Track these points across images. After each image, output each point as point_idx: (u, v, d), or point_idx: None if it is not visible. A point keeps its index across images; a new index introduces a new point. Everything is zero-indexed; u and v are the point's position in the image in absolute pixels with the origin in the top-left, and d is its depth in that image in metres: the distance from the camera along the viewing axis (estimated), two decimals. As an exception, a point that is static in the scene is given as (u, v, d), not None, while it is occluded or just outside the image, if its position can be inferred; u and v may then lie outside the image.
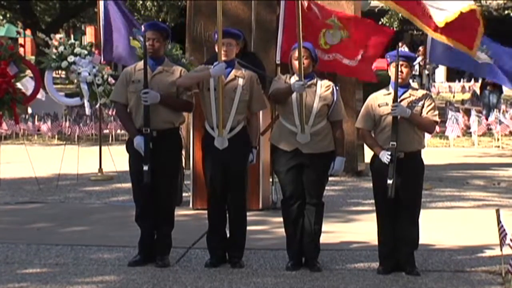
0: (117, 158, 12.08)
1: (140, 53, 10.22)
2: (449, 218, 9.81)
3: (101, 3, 12.55)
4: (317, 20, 9.25)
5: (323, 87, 7.53)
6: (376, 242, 7.54)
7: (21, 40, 38.96)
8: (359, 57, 9.22)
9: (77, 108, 18.18)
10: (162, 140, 7.46)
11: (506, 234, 7.08)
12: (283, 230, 7.68)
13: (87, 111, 12.73)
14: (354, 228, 9.14)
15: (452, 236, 8.57)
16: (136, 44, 10.74)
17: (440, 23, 7.93)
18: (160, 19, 26.45)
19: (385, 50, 8.73)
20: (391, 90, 7.38)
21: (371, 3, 19.97)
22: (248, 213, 7.82)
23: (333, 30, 8.97)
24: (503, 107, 20.30)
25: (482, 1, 20.27)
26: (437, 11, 7.79)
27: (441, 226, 9.19)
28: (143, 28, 7.79)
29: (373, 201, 7.62)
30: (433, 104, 7.49)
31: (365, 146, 9.58)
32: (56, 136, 18.47)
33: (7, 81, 11.15)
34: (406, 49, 25.69)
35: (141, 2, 28.18)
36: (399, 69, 7.30)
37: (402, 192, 7.27)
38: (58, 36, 12.64)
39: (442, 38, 8.48)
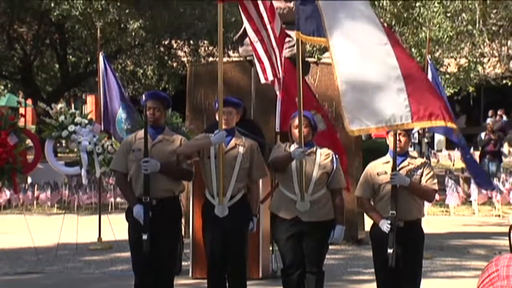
0: (116, 227, 12.05)
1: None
2: (450, 287, 9.73)
3: (101, 73, 12.67)
4: (310, 97, 9.30)
5: (323, 156, 7.56)
6: (377, 312, 7.48)
7: (21, 110, 39.17)
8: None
9: (77, 177, 18.16)
10: (162, 209, 7.45)
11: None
12: (283, 299, 7.62)
13: (84, 180, 12.76)
14: (355, 298, 9.08)
15: (453, 306, 8.51)
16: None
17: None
18: (160, 88, 26.65)
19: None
20: (390, 158, 7.40)
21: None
22: (248, 282, 7.77)
23: (318, 117, 8.99)
24: (502, 176, 20.30)
25: (480, 71, 20.45)
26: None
27: (442, 295, 9.13)
28: (143, 98, 7.85)
29: (373, 270, 7.58)
30: (432, 173, 7.50)
31: (365, 214, 9.56)
32: (56, 205, 18.45)
33: (7, 151, 11.18)
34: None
35: (141, 71, 28.43)
36: (397, 138, 7.33)
37: (402, 261, 7.23)
38: (59, 106, 12.72)
39: None
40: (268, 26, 8.03)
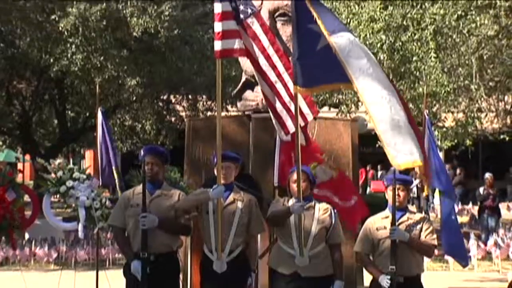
0: (114, 283, 11.94)
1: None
2: None
3: (99, 127, 12.67)
4: (311, 151, 9.27)
5: (321, 210, 7.54)
6: None
7: (20, 165, 39.12)
8: (353, 201, 9.09)
9: (74, 233, 18.06)
10: (160, 264, 7.41)
11: None
12: None
13: (80, 234, 12.68)
14: None
15: None
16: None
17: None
18: (159, 142, 26.67)
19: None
20: (389, 213, 7.38)
21: (368, 126, 20.20)
22: (246, 339, 7.68)
23: (325, 167, 8.95)
24: (501, 231, 20.22)
25: (477, 125, 20.50)
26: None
27: None
28: (142, 152, 7.85)
29: (373, 326, 7.51)
30: (431, 228, 7.48)
31: (364, 269, 9.50)
32: (53, 261, 18.31)
33: (5, 207, 11.13)
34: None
35: (140, 125, 28.48)
36: (396, 193, 7.32)
37: (402, 317, 7.17)
38: (57, 161, 12.69)
39: None
40: (285, 75, 7.99)
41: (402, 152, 6.76)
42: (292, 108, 7.91)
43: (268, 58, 7.97)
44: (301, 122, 8.04)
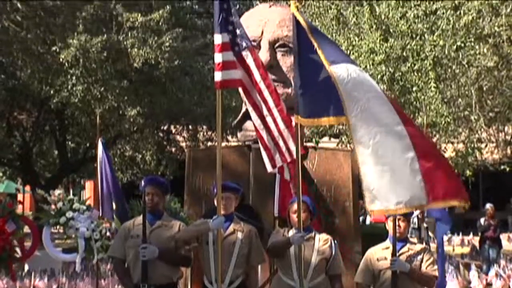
0: (113, 315, 11.89)
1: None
2: None
3: (100, 158, 12.68)
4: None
5: (321, 241, 7.52)
6: None
7: (20, 196, 39.06)
8: None
9: (74, 264, 18.01)
10: (160, 296, 7.38)
11: None
12: None
13: (77, 267, 12.65)
14: None
15: None
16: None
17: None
18: (159, 173, 26.67)
19: None
20: (390, 244, 7.36)
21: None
22: None
23: None
24: (502, 262, 20.13)
25: (477, 156, 20.53)
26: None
27: None
28: (142, 183, 7.85)
29: None
30: (432, 259, 7.46)
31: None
32: (53, 293, 18.21)
33: (5, 238, 11.12)
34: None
35: (140, 156, 28.50)
36: (397, 223, 7.30)
37: None
38: (57, 192, 12.69)
39: None
40: (274, 110, 8.01)
41: (378, 198, 6.66)
42: (281, 143, 7.95)
43: (259, 92, 8.00)
44: (288, 158, 8.05)
